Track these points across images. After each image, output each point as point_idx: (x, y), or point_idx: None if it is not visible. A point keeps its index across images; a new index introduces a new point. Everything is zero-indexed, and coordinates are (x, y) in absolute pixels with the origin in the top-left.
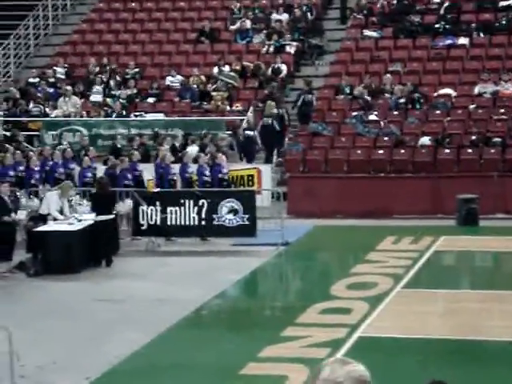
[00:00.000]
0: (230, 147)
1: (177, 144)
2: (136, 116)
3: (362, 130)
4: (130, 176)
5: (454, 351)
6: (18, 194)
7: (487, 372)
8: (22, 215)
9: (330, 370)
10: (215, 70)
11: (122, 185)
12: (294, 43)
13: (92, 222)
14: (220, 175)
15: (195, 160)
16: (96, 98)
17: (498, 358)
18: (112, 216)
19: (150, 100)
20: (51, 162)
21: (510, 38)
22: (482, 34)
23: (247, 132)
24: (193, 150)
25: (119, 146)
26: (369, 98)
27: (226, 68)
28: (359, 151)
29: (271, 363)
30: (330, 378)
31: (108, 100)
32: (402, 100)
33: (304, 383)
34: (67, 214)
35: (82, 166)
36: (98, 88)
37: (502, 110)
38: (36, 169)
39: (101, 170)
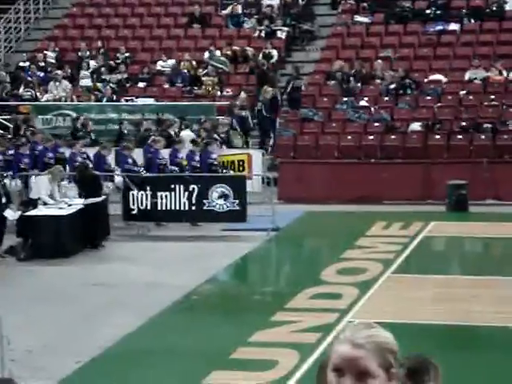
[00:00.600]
0: (231, 127)
1: (176, 129)
2: (127, 101)
3: (352, 116)
4: (130, 161)
5: (444, 336)
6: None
7: (477, 357)
8: (10, 215)
9: (351, 331)
10: (206, 54)
11: (124, 168)
12: (285, 28)
13: (82, 206)
14: (209, 160)
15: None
16: (86, 82)
17: (488, 343)
18: (101, 198)
19: (141, 85)
20: (41, 147)
21: (500, 24)
22: (472, 20)
23: (239, 111)
24: (187, 134)
25: (125, 131)
26: (354, 81)
27: (217, 53)
28: (350, 137)
29: (261, 348)
30: (349, 338)
31: (98, 85)
32: (393, 86)
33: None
34: (57, 198)
35: (73, 150)
36: (87, 73)
37: (493, 96)
38: (25, 153)
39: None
